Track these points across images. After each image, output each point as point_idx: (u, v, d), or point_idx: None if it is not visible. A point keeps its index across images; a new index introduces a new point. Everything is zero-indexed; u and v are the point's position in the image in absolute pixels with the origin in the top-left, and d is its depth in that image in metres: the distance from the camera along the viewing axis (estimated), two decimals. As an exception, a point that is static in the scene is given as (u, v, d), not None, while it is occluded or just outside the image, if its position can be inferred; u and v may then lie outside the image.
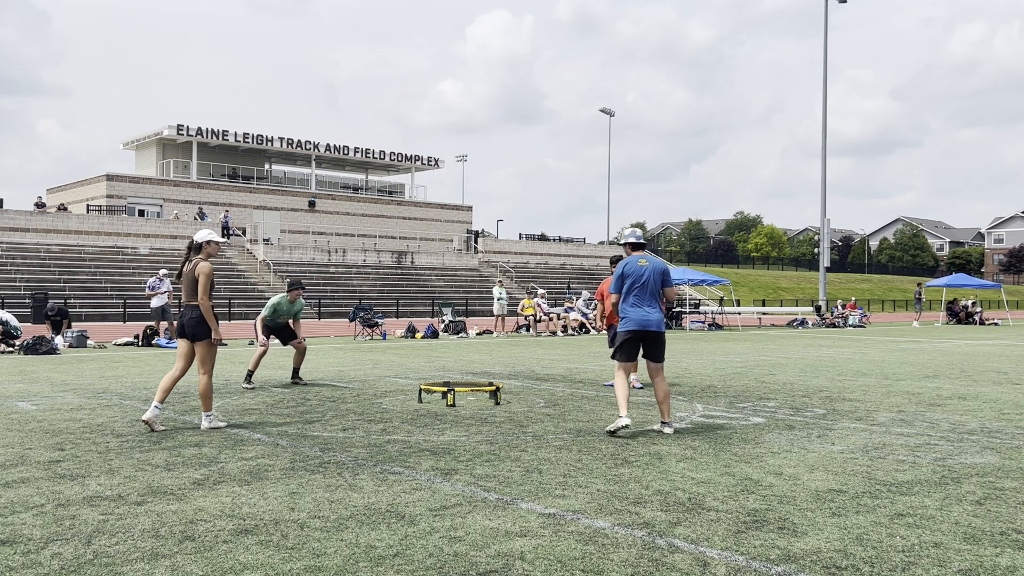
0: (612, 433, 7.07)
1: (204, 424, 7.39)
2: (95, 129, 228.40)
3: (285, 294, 11.10)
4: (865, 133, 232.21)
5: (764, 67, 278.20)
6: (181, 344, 7.51)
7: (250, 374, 10.74)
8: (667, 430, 7.24)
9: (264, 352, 10.88)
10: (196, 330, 7.34)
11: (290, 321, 11.24)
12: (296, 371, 11.22)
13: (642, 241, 7.75)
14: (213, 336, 7.33)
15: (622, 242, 7.75)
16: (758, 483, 5.36)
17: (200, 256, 7.51)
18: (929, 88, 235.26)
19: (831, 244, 61.70)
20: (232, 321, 33.28)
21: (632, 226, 8.05)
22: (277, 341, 11.47)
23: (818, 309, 39.18)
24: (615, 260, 11.00)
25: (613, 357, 7.53)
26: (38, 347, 16.03)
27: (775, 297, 62.57)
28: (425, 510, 4.66)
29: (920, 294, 39.39)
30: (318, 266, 45.18)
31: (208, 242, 7.54)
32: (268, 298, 38.35)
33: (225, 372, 12.56)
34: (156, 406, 7.25)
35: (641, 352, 7.44)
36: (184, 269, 7.54)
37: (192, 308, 7.36)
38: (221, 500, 4.87)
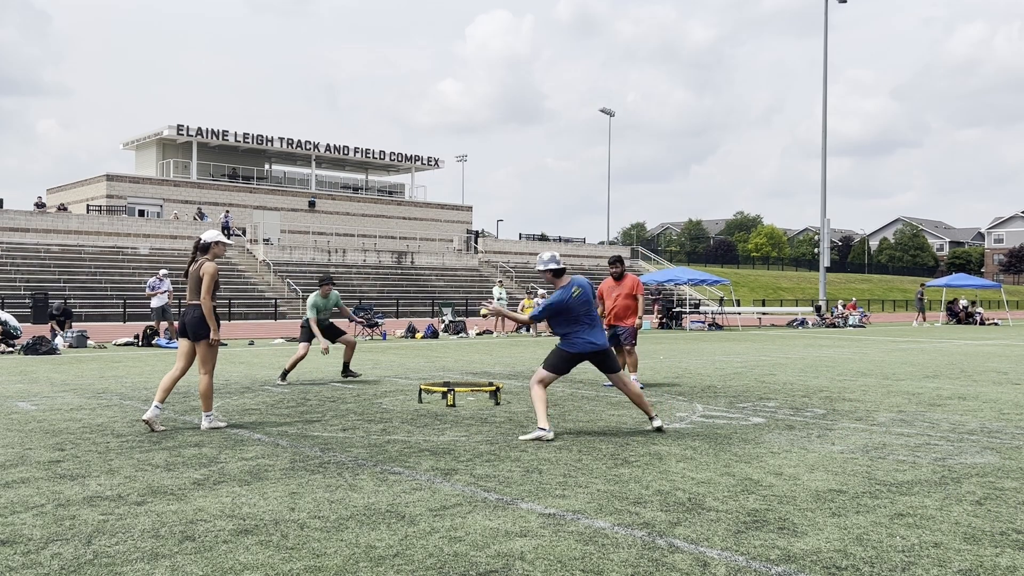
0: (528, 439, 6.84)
1: (204, 424, 7.39)
2: (95, 129, 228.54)
3: (317, 291, 11.51)
4: (865, 133, 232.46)
5: (764, 67, 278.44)
6: (182, 343, 7.51)
7: (346, 365, 11.66)
8: (656, 423, 7.27)
9: (326, 350, 11.33)
10: (197, 329, 7.33)
11: (332, 315, 11.72)
12: (346, 365, 11.68)
13: (562, 266, 7.36)
14: (211, 336, 7.34)
15: (547, 268, 7.23)
16: (758, 483, 5.36)
17: (207, 256, 7.52)
18: (929, 88, 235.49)
19: (831, 244, 61.70)
20: (232, 321, 33.29)
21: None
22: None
23: (818, 309, 39.18)
24: (613, 260, 11.01)
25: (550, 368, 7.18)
26: (38, 347, 16.03)
27: (775, 297, 62.57)
28: (425, 510, 4.66)
29: (922, 294, 39.31)
30: (318, 266, 45.16)
31: (216, 242, 7.56)
32: (268, 298, 38.43)
33: (225, 372, 12.56)
34: (156, 406, 7.25)
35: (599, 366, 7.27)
36: (190, 269, 7.54)
37: (194, 307, 7.36)
38: (221, 500, 4.86)
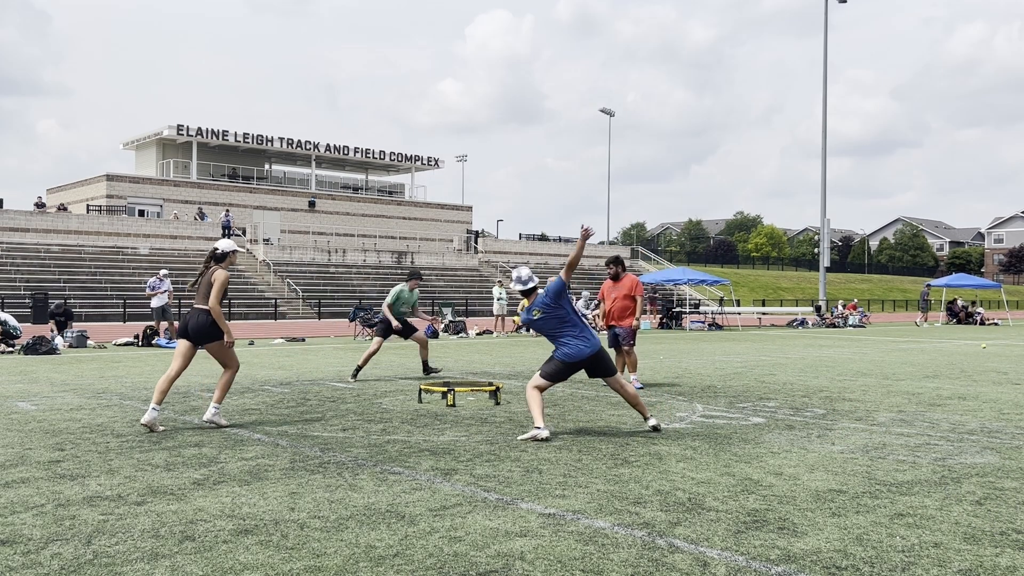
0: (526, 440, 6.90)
1: (208, 413, 7.46)
2: (95, 129, 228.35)
3: (405, 284, 11.67)
4: (865, 133, 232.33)
5: (764, 67, 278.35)
6: (180, 344, 7.52)
7: (425, 364, 11.78)
8: (651, 422, 7.30)
9: (399, 329, 11.59)
10: (200, 333, 7.38)
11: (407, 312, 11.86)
12: (425, 364, 11.82)
13: (530, 286, 7.38)
14: (226, 338, 7.46)
15: (519, 289, 7.41)
16: (758, 483, 5.36)
17: (222, 265, 7.65)
18: (929, 88, 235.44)
19: (831, 244, 61.70)
20: (232, 321, 33.28)
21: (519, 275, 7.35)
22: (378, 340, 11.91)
23: (818, 309, 39.19)
24: (610, 261, 10.97)
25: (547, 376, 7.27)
26: (38, 347, 16.03)
27: (775, 297, 62.56)
28: (425, 510, 4.66)
29: (927, 294, 39.18)
30: (318, 266, 45.17)
31: (234, 252, 7.77)
32: (268, 299, 38.43)
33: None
34: (154, 408, 7.26)
35: (593, 373, 7.35)
36: (202, 278, 7.63)
37: (199, 312, 7.41)
38: (221, 500, 4.86)
